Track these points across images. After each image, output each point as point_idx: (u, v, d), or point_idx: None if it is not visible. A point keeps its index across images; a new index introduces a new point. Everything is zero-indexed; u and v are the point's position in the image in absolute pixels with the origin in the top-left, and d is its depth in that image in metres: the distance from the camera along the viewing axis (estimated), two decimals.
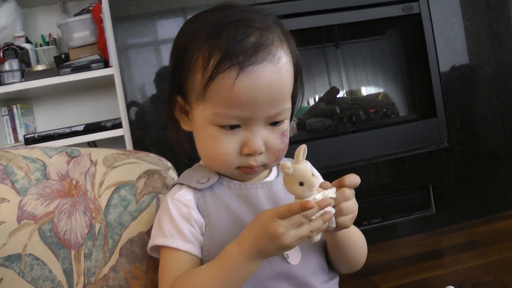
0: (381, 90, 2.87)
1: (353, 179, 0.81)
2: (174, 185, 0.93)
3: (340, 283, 0.96)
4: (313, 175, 0.76)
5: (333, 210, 0.77)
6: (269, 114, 0.83)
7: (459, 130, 2.64)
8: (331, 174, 0.85)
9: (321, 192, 0.77)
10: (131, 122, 2.41)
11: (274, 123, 0.85)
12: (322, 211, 0.75)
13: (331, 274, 0.93)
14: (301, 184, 0.75)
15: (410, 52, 2.76)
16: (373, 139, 2.60)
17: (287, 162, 0.75)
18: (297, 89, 0.91)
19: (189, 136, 0.93)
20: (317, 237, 0.77)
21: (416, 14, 2.62)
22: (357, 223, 0.92)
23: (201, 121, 0.85)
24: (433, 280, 1.98)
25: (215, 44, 0.80)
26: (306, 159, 0.79)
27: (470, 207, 2.65)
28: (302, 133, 2.69)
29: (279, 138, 0.86)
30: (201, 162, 0.95)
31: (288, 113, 0.87)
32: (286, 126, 0.88)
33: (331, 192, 0.78)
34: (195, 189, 0.88)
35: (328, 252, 0.93)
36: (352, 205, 0.80)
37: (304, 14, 2.52)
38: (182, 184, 0.90)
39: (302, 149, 0.77)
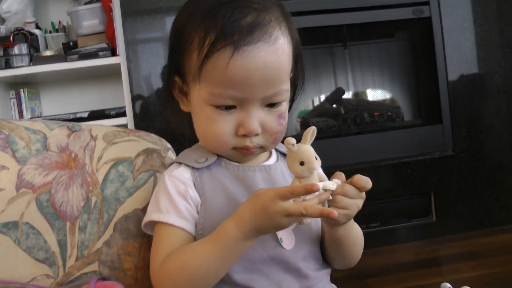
0: (387, 93, 2.86)
1: (362, 179, 0.80)
2: (172, 163, 0.93)
3: (336, 284, 0.95)
4: (316, 158, 0.76)
5: (329, 196, 0.77)
6: (265, 95, 0.82)
7: (465, 138, 2.62)
8: (332, 175, 0.85)
9: (322, 182, 0.77)
10: (135, 112, 2.42)
11: (271, 105, 0.85)
12: (317, 193, 0.75)
13: (324, 264, 0.94)
14: (302, 164, 0.75)
15: (419, 56, 2.75)
16: (376, 142, 2.60)
17: (292, 139, 0.75)
18: (297, 72, 0.91)
19: (187, 117, 0.94)
20: (307, 220, 0.77)
21: (426, 17, 2.60)
22: None
23: (197, 101, 0.85)
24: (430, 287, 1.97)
25: (210, 24, 0.80)
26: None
27: (471, 217, 2.63)
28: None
29: (276, 120, 0.86)
30: (200, 143, 0.95)
31: (286, 95, 0.87)
32: (284, 108, 0.88)
33: (331, 184, 0.78)
34: (192, 168, 0.88)
35: (324, 247, 0.93)
36: (348, 202, 0.80)
37: (313, 12, 2.52)
38: (180, 163, 0.91)
39: (311, 130, 0.78)
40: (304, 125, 2.70)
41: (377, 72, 2.81)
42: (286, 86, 0.86)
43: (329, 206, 0.79)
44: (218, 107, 0.83)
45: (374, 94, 2.86)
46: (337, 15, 2.57)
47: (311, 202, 0.74)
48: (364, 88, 2.84)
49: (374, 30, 2.72)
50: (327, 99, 2.75)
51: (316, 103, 2.78)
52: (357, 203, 0.81)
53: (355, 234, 0.92)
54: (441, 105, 2.61)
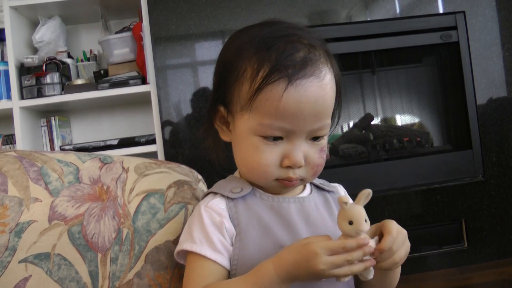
0: (416, 118, 2.85)
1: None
2: (208, 193, 0.93)
3: None
4: (366, 221, 0.77)
5: (374, 262, 0.77)
6: (312, 128, 0.84)
7: (495, 164, 2.59)
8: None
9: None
10: (165, 139, 2.44)
11: (315, 138, 0.87)
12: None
13: None
14: (351, 223, 0.76)
15: (447, 81, 2.73)
16: (405, 168, 2.58)
17: (347, 197, 0.77)
18: (335, 107, 0.92)
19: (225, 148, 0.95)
20: (346, 278, 0.77)
21: (454, 42, 2.60)
22: None
23: (244, 131, 0.86)
24: None
25: (264, 56, 0.82)
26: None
27: (504, 244, 2.58)
28: (334, 158, 2.67)
29: (318, 153, 0.87)
30: (235, 173, 0.96)
31: (328, 129, 0.89)
32: (325, 142, 0.89)
33: (372, 243, 0.77)
34: (228, 198, 0.89)
35: (364, 281, 0.93)
36: (399, 241, 0.80)
37: (342, 39, 2.54)
38: (215, 193, 0.91)
39: (367, 193, 0.77)
40: (334, 151, 2.69)
41: (405, 97, 2.80)
42: (329, 120, 0.88)
43: (382, 260, 0.79)
44: (265, 137, 0.84)
45: (403, 120, 2.85)
46: (365, 41, 2.58)
47: (358, 267, 0.75)
48: (393, 113, 2.83)
49: (402, 56, 2.73)
50: (356, 125, 2.75)
51: (345, 129, 2.78)
52: (401, 231, 0.81)
53: (399, 269, 0.91)
54: (471, 130, 2.59)
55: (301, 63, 0.81)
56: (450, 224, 2.59)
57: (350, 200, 0.77)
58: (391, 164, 2.60)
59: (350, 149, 2.63)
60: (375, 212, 2.43)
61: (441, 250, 2.58)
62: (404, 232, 0.82)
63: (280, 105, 0.80)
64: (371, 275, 0.79)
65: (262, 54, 0.82)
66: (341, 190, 1.01)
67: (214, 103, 0.92)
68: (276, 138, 0.84)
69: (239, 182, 0.92)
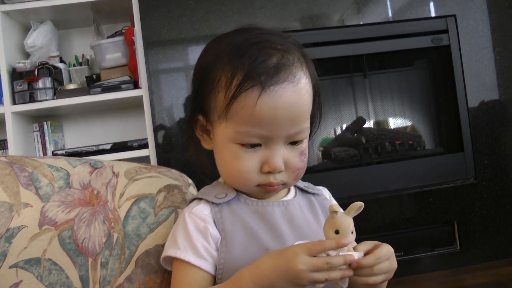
0: (408, 121, 2.86)
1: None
2: (192, 200, 0.94)
3: None
4: (352, 232, 0.77)
5: (351, 272, 0.76)
6: (289, 133, 0.84)
7: (487, 166, 2.60)
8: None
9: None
10: (157, 144, 2.44)
11: (294, 142, 0.87)
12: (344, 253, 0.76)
13: None
14: (337, 232, 0.76)
15: (438, 85, 2.74)
16: (398, 171, 2.59)
17: (337, 206, 0.77)
18: (315, 110, 0.93)
19: (208, 155, 0.96)
20: (321, 285, 0.76)
21: (445, 46, 2.61)
22: None
23: (222, 139, 0.87)
24: None
25: (237, 64, 0.82)
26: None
27: (496, 246, 2.59)
28: (327, 162, 2.68)
29: (298, 157, 0.88)
30: (220, 179, 0.97)
31: (307, 133, 0.89)
32: (305, 145, 0.90)
33: (357, 255, 0.78)
34: (212, 203, 0.89)
35: None
36: (383, 267, 0.79)
37: (333, 43, 2.54)
38: (200, 199, 0.92)
39: (358, 205, 0.78)
40: (326, 154, 2.70)
41: (397, 101, 2.81)
42: (307, 124, 0.88)
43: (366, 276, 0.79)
44: (243, 145, 0.84)
45: (395, 123, 2.86)
46: (356, 45, 2.59)
47: (336, 273, 0.74)
48: (385, 117, 2.84)
49: (394, 59, 2.73)
50: (348, 128, 2.76)
51: (338, 132, 2.78)
52: (388, 263, 0.80)
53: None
54: (462, 133, 2.60)
55: (274, 69, 0.81)
56: (443, 226, 2.60)
57: (341, 210, 0.77)
58: (384, 167, 2.61)
59: (342, 153, 2.64)
60: (368, 215, 2.43)
61: (434, 252, 2.58)
62: (394, 264, 0.82)
63: (255, 113, 0.81)
64: (346, 284, 0.78)
65: (235, 63, 0.83)
66: (325, 193, 1.01)
67: (193, 112, 0.93)
68: (254, 145, 0.84)
69: (224, 188, 0.92)
